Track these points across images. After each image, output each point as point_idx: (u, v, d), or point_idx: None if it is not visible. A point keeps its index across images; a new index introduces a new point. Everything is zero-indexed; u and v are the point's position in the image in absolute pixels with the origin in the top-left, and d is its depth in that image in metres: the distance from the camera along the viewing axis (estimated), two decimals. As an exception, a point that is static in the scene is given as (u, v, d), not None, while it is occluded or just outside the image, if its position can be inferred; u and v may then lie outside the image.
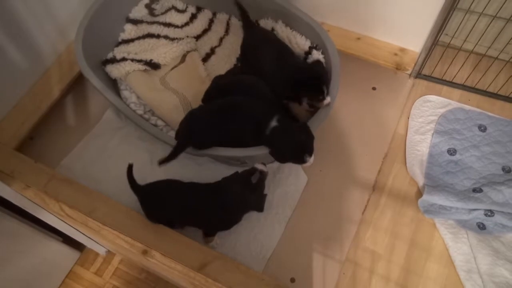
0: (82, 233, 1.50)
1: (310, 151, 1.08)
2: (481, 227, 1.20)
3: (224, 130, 1.14)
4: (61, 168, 1.33)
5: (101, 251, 1.79)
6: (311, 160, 1.09)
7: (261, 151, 1.14)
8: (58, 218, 1.26)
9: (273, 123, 1.08)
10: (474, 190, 1.24)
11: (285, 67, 1.23)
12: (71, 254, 1.79)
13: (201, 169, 1.31)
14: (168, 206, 1.14)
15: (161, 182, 1.16)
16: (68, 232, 1.51)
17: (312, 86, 1.15)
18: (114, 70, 1.38)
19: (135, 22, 1.54)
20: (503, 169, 1.29)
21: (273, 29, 1.41)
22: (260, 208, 1.11)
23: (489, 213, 1.19)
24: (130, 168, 1.16)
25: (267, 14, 1.44)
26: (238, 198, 1.08)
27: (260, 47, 1.31)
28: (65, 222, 1.34)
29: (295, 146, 1.07)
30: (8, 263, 1.43)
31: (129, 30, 1.53)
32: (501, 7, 1.25)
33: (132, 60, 1.40)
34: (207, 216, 1.12)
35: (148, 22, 1.55)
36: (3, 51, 1.29)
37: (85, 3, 1.39)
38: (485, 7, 1.28)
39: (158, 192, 1.15)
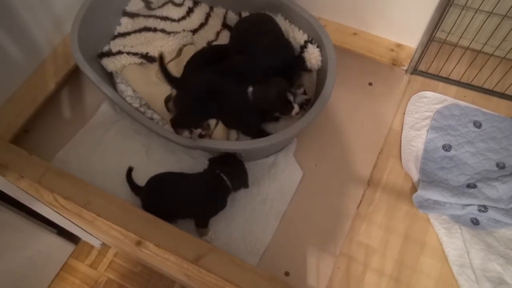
0: (77, 225, 1.50)
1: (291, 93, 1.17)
2: (475, 222, 1.21)
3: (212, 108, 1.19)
4: (56, 161, 1.33)
5: (96, 243, 1.79)
6: (296, 108, 1.16)
7: (256, 144, 1.14)
8: (52, 209, 1.26)
9: (250, 89, 1.16)
10: (468, 186, 1.25)
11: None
12: (66, 247, 1.79)
13: (195, 162, 1.31)
14: (167, 200, 1.17)
15: (156, 177, 1.19)
16: (62, 224, 1.50)
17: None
18: (110, 64, 1.38)
19: (132, 15, 1.54)
20: (497, 165, 1.30)
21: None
22: (246, 184, 1.19)
23: (483, 208, 1.20)
24: (129, 171, 1.18)
25: (265, 8, 1.43)
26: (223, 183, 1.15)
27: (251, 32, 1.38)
28: (60, 214, 1.34)
29: (277, 90, 1.16)
30: (2, 254, 1.42)
31: (126, 24, 1.52)
32: (497, 4, 1.26)
33: (128, 53, 1.39)
34: (197, 204, 1.16)
35: (144, 16, 1.55)
36: (-3, 43, 1.28)
37: (81, -4, 1.39)
38: (481, 4, 1.28)
39: (157, 188, 1.18)
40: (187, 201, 1.17)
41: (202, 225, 1.18)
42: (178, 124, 1.22)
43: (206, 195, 1.15)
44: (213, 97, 1.17)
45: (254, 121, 1.25)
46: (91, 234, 1.64)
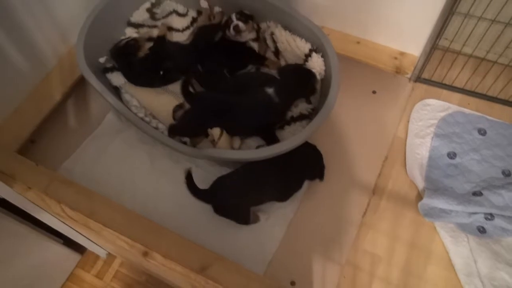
0: (83, 235, 1.50)
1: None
2: (482, 230, 1.20)
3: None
4: (63, 170, 1.34)
5: (102, 253, 1.79)
6: None
7: (261, 154, 1.15)
8: (59, 219, 1.26)
9: (269, 90, 1.24)
10: (474, 194, 1.24)
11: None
12: (72, 257, 1.80)
13: (199, 171, 1.31)
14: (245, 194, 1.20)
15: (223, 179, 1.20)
16: (68, 234, 1.51)
17: None
18: (114, 79, 1.40)
19: (136, 26, 1.55)
20: (503, 172, 1.29)
21: (272, 33, 1.42)
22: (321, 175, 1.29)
23: (489, 216, 1.19)
24: (189, 175, 1.17)
25: (267, 18, 1.45)
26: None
27: None
28: (66, 224, 1.34)
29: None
30: (8, 264, 1.43)
31: (130, 34, 1.54)
32: (500, 11, 1.26)
33: (133, 65, 1.41)
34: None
35: (149, 26, 1.56)
36: (4, 54, 1.30)
37: (86, 7, 1.40)
38: (484, 11, 1.28)
39: (228, 188, 1.20)
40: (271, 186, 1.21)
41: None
42: (176, 131, 1.26)
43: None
44: (223, 112, 1.25)
45: (278, 119, 1.31)
46: (97, 244, 1.64)
